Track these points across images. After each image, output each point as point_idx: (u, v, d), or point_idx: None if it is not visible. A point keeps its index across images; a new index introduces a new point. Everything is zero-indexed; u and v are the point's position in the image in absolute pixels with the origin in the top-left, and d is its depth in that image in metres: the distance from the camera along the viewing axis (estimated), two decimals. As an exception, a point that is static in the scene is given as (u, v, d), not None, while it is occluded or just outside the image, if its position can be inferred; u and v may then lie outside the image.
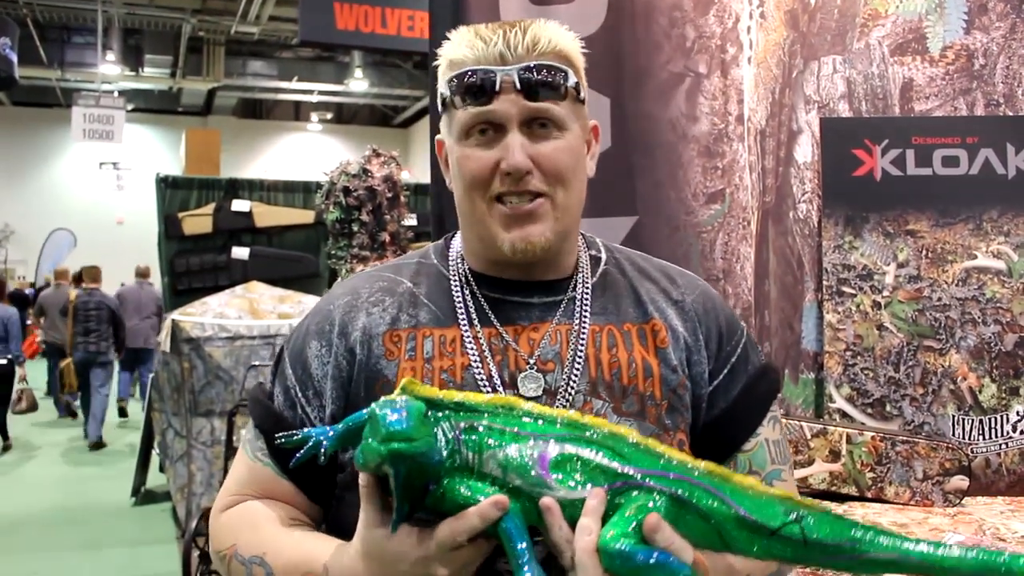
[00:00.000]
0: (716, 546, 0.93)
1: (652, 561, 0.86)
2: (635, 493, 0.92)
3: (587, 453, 0.93)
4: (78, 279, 10.54)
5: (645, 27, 2.41)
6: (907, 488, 1.92)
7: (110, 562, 5.78)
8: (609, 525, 0.89)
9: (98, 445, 9.33)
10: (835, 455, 1.97)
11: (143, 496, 7.20)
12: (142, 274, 10.90)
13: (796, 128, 2.28)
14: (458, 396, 0.96)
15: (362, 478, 0.95)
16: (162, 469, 6.93)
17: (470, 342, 1.13)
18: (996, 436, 2.08)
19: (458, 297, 1.17)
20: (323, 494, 1.18)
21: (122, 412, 10.95)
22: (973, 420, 2.09)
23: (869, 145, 2.17)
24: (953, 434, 2.09)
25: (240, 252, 7.71)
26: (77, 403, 10.56)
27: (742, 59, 2.35)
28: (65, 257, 20.83)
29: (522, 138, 1.09)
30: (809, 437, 1.99)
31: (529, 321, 1.16)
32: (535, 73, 1.08)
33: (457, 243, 1.26)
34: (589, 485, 0.92)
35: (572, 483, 0.92)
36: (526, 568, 0.87)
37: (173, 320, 5.97)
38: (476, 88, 1.09)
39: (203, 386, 5.92)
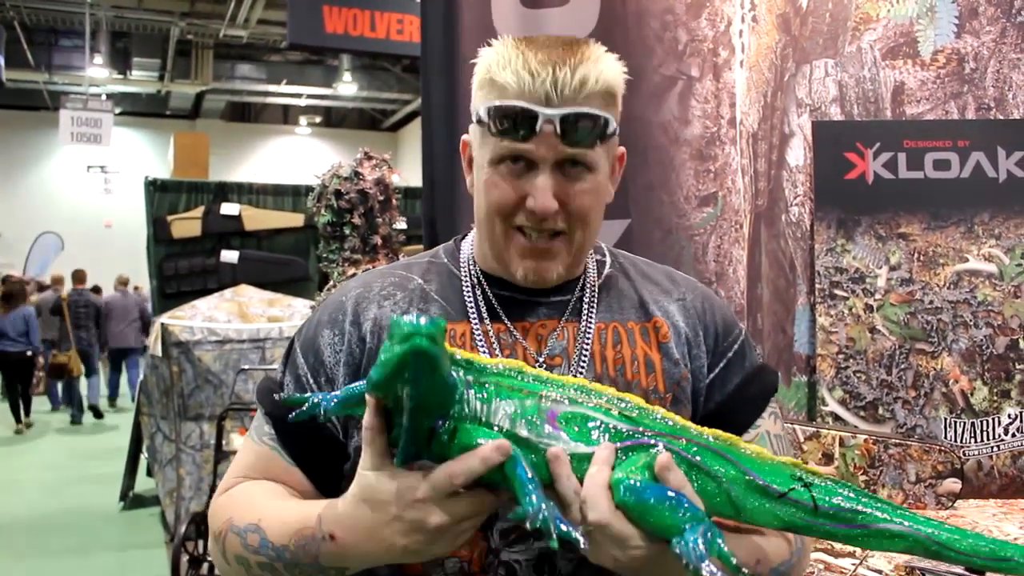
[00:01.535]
0: (726, 510, 0.93)
1: (665, 497, 0.86)
2: (645, 452, 0.91)
3: (597, 413, 0.94)
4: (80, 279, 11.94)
5: (637, 30, 2.41)
6: (900, 491, 1.92)
7: (98, 567, 5.74)
8: (619, 467, 0.89)
9: (98, 413, 11.15)
10: (828, 458, 1.97)
11: (131, 500, 7.15)
12: (124, 282, 12.07)
13: (788, 131, 2.28)
14: (468, 355, 0.96)
15: (367, 416, 0.94)
16: (150, 473, 6.89)
17: (480, 337, 1.15)
18: (988, 439, 2.08)
19: (468, 294, 1.20)
20: (329, 482, 1.18)
21: (97, 413, 11.61)
22: (965, 423, 2.10)
23: (861, 148, 2.18)
24: (945, 437, 2.09)
25: (229, 255, 7.67)
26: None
27: (734, 63, 2.36)
28: (52, 261, 20.73)
29: (552, 180, 1.08)
30: (802, 440, 1.99)
31: (537, 319, 1.18)
32: (577, 121, 1.06)
33: (468, 244, 1.27)
34: (600, 441, 0.92)
35: (581, 438, 0.92)
36: (532, 497, 0.85)
37: (162, 324, 5.94)
38: (516, 125, 1.07)
39: (192, 390, 5.89)
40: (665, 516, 0.85)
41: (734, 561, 0.81)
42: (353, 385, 1.00)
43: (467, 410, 0.91)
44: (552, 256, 1.13)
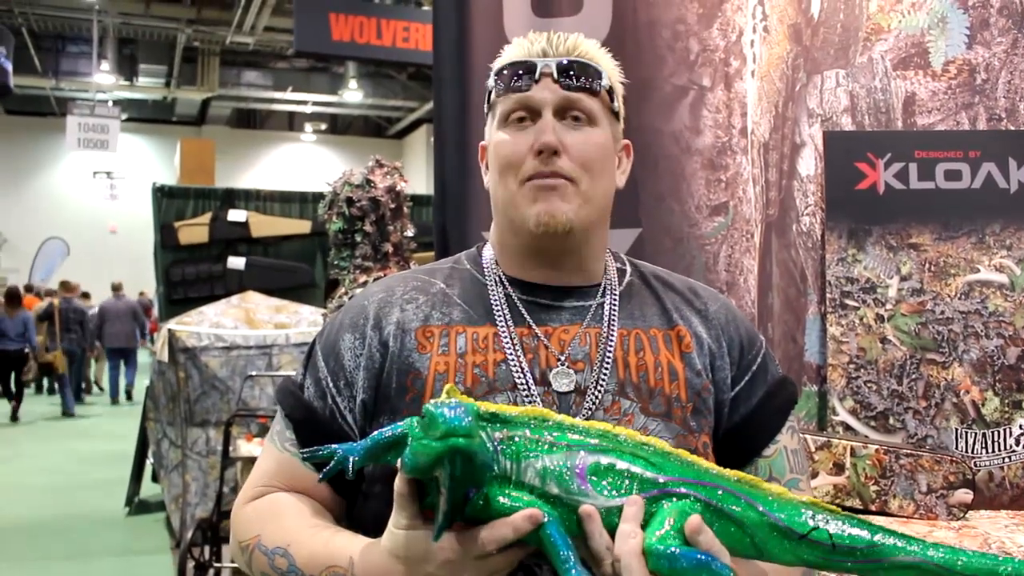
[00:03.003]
0: (749, 552, 0.96)
1: (696, 562, 0.89)
2: (670, 501, 0.94)
3: (622, 463, 0.96)
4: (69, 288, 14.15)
5: (649, 40, 2.42)
6: (911, 501, 1.92)
7: (102, 573, 5.75)
8: (651, 529, 0.92)
9: (69, 413, 12.73)
10: (839, 468, 1.97)
11: (137, 506, 7.16)
12: (116, 288, 13.78)
13: (799, 141, 2.28)
14: (492, 407, 0.98)
15: (398, 483, 0.96)
16: (156, 479, 6.90)
17: (506, 339, 1.17)
18: (999, 450, 2.08)
19: (494, 296, 1.22)
20: (349, 487, 1.20)
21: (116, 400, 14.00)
22: (976, 433, 2.10)
23: (872, 158, 2.18)
24: (956, 447, 2.09)
25: (236, 262, 7.69)
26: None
27: (746, 72, 2.36)
28: (58, 266, 20.79)
29: (555, 122, 1.17)
30: (813, 450, 1.99)
31: (560, 323, 1.20)
32: (572, 67, 1.19)
33: (488, 251, 1.30)
34: (626, 494, 0.94)
35: (609, 492, 0.94)
36: (573, 571, 0.88)
37: (169, 330, 5.96)
38: (518, 75, 1.19)
39: (199, 396, 5.90)
40: None
41: None
42: (378, 433, 1.02)
43: (498, 470, 0.94)
44: (561, 196, 1.16)
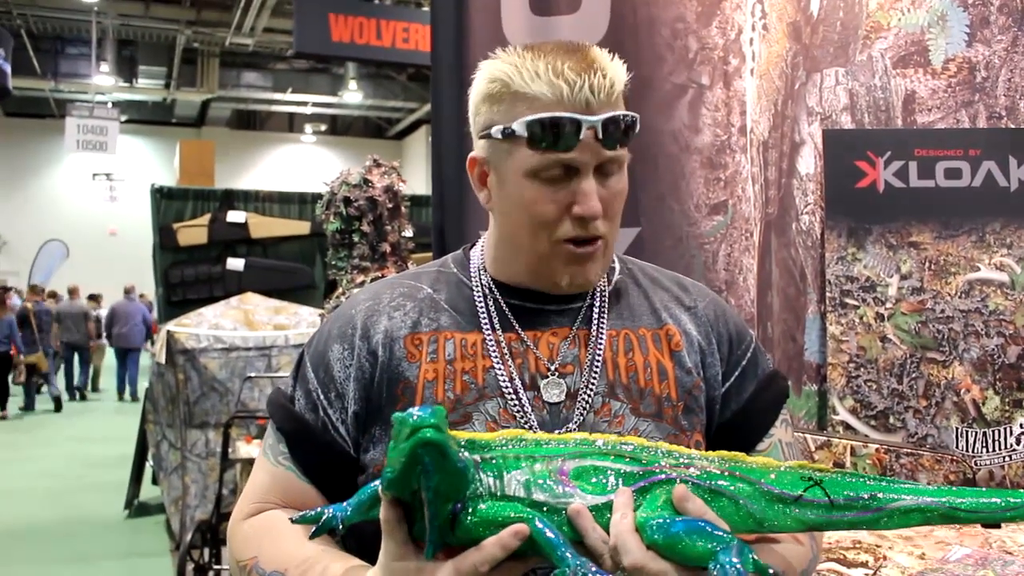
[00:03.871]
0: (749, 525, 0.94)
1: (691, 527, 0.87)
2: (658, 488, 0.94)
3: (605, 462, 0.96)
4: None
5: (648, 38, 2.41)
6: (912, 500, 1.91)
7: (103, 575, 5.74)
8: (641, 509, 0.91)
9: (59, 405, 13.39)
10: (839, 467, 1.96)
11: (136, 508, 7.14)
12: (128, 290, 14.38)
13: (799, 140, 2.28)
14: (466, 435, 0.97)
15: (384, 510, 0.94)
16: (155, 481, 6.89)
17: (492, 345, 1.16)
18: (1000, 448, 2.08)
19: (480, 303, 1.20)
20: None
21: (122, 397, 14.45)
22: (977, 432, 2.09)
23: (872, 157, 2.17)
24: (957, 446, 2.08)
25: (235, 263, 7.67)
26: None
27: (745, 71, 2.36)
28: (57, 268, 20.80)
29: (595, 184, 1.10)
30: (813, 449, 1.99)
31: (548, 327, 1.18)
32: (616, 125, 1.08)
33: (477, 253, 1.27)
34: (613, 490, 0.93)
35: (596, 490, 0.93)
36: (568, 556, 0.87)
37: (168, 331, 5.95)
38: (561, 135, 1.07)
39: (198, 398, 5.89)
40: (696, 545, 0.87)
41: (772, 571, 0.83)
42: (365, 488, 1.01)
43: (481, 488, 0.92)
44: (594, 259, 1.14)
